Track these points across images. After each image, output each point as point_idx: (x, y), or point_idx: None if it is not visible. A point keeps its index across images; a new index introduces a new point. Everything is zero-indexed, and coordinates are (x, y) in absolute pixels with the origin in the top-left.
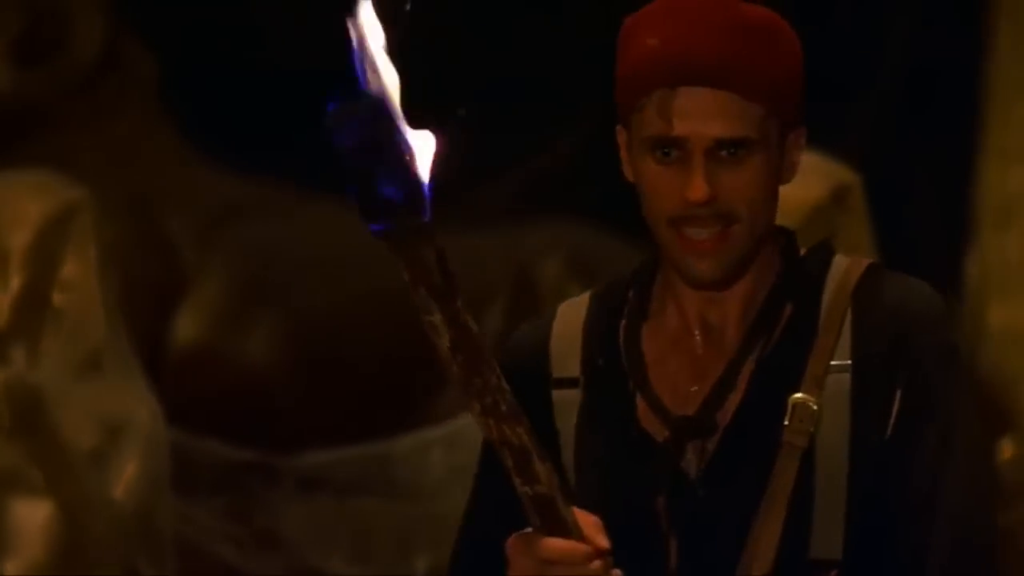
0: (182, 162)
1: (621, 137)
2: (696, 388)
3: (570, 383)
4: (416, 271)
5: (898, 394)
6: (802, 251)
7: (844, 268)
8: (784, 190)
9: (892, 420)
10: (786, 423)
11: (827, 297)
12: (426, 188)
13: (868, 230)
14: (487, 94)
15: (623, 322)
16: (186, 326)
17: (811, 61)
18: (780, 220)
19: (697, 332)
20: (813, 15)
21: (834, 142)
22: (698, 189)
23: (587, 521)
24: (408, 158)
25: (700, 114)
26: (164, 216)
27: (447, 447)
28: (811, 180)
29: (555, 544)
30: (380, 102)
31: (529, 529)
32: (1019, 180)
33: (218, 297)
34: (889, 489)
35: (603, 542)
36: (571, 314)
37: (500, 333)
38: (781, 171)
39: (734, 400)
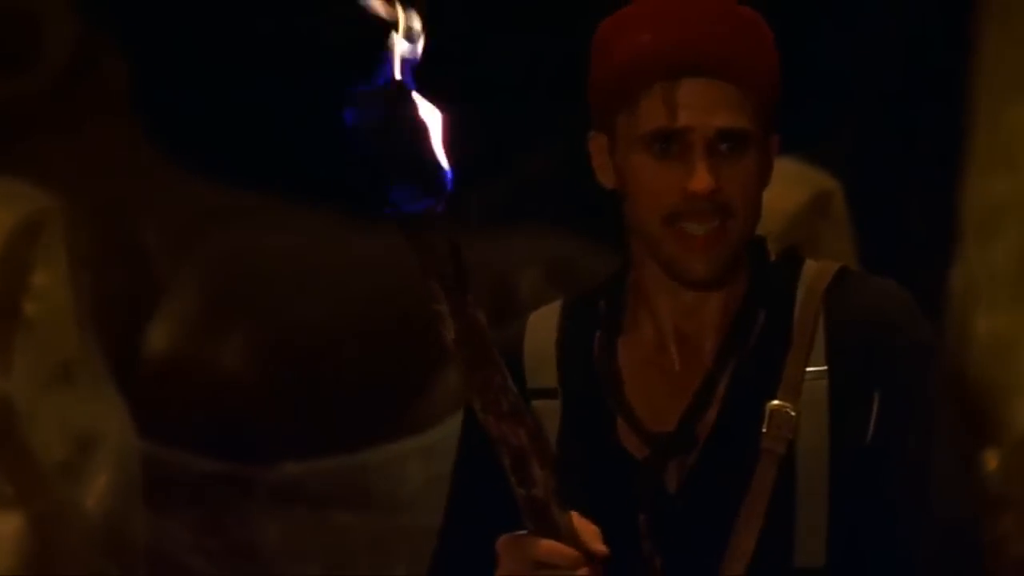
0: (154, 170)
1: (598, 142)
2: (674, 403)
3: (547, 393)
4: (427, 259)
5: (876, 397)
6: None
7: (814, 273)
8: (765, 197)
9: (872, 424)
10: (764, 430)
11: (799, 303)
12: (447, 177)
13: (850, 238)
14: (467, 99)
15: (597, 336)
16: (158, 336)
17: (794, 66)
18: (760, 227)
19: (673, 345)
20: (796, 20)
21: (816, 148)
22: (703, 179)
23: (586, 529)
24: (430, 145)
25: (703, 105)
26: (136, 225)
27: (424, 458)
28: (791, 187)
29: (545, 545)
30: (404, 87)
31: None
32: (1005, 188)
33: (191, 307)
34: (872, 493)
35: (600, 547)
36: (543, 325)
37: None
38: (766, 173)
39: (712, 413)
